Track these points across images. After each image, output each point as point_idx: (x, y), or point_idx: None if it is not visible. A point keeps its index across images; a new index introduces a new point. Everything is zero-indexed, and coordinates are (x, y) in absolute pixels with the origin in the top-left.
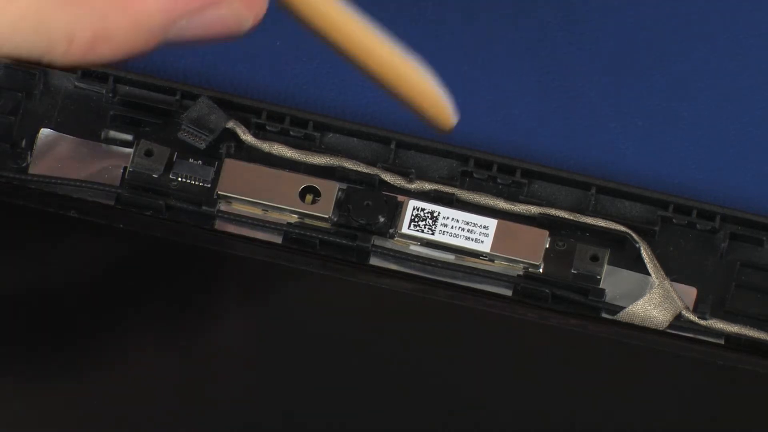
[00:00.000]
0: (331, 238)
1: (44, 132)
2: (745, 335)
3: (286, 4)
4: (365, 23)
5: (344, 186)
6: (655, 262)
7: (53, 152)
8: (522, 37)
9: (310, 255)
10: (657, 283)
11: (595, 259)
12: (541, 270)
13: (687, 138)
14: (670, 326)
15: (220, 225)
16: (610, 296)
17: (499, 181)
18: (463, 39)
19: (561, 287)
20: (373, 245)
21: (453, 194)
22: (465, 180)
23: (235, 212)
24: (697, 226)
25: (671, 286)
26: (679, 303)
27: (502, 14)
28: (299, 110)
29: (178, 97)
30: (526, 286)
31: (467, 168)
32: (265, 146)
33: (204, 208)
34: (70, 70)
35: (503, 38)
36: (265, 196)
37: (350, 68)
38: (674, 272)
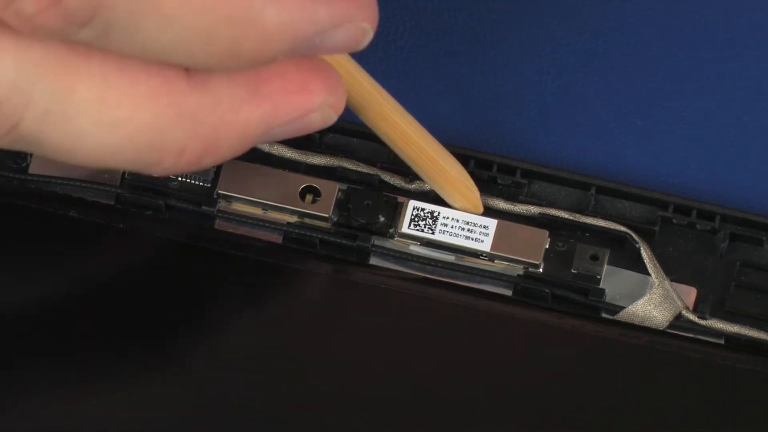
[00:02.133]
0: (331, 238)
1: None
2: (745, 335)
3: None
4: (406, 114)
5: (344, 186)
6: (655, 262)
7: None
8: (521, 37)
9: (310, 255)
10: (657, 283)
11: (594, 259)
12: (540, 270)
13: (687, 138)
14: (670, 326)
15: (220, 225)
16: (610, 296)
17: (499, 181)
18: (462, 39)
19: (561, 287)
20: (373, 245)
21: None
22: None
23: (235, 212)
24: (697, 226)
25: (671, 286)
26: (679, 303)
27: (502, 14)
28: None
29: None
30: (526, 285)
31: (467, 168)
32: (266, 146)
33: (204, 207)
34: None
35: (503, 39)
36: (265, 195)
37: None
38: (674, 272)
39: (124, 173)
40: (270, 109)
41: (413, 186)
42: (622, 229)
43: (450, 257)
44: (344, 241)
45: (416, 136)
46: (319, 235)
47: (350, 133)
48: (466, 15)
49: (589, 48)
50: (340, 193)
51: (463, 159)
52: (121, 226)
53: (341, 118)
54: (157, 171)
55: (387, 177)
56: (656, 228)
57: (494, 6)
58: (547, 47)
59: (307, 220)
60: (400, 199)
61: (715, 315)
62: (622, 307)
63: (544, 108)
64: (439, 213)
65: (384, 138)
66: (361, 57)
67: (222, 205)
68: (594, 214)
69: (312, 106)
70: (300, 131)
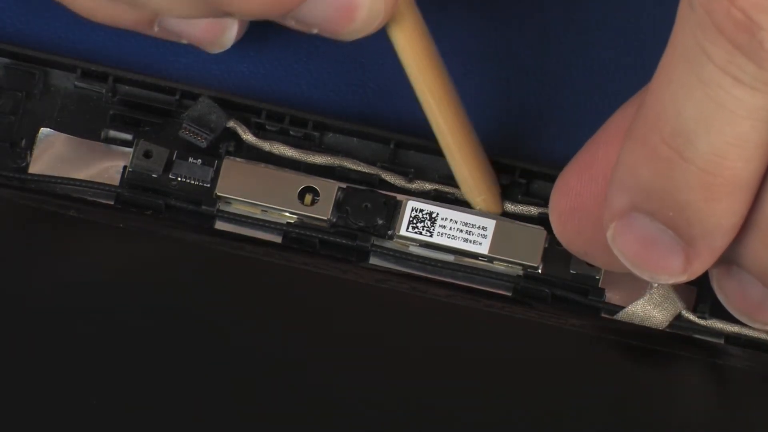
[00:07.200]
0: (330, 238)
1: (44, 132)
2: (745, 335)
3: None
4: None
5: (344, 185)
6: None
7: (53, 152)
8: (522, 36)
9: (310, 255)
10: (657, 283)
11: None
12: (540, 270)
13: None
14: (670, 326)
15: (219, 225)
16: (609, 296)
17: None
18: (461, 39)
19: (560, 287)
20: (373, 245)
21: (453, 194)
22: None
23: (235, 212)
24: None
25: (671, 286)
26: (679, 303)
27: (503, 14)
28: (299, 110)
29: (177, 97)
30: (526, 285)
31: None
32: (266, 145)
33: (204, 207)
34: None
35: (503, 38)
36: (264, 197)
37: (349, 68)
38: None
39: (123, 173)
40: None
41: (413, 186)
42: None
43: (449, 257)
44: (344, 241)
45: (462, 121)
46: (319, 235)
47: (350, 133)
48: (465, 15)
49: (589, 48)
50: (339, 193)
51: None
52: (121, 226)
53: (341, 118)
54: None
55: (387, 177)
56: None
57: (495, 5)
58: (546, 47)
59: (306, 221)
60: (400, 198)
61: (714, 315)
62: (622, 307)
63: (542, 107)
64: (437, 214)
65: (427, 110)
66: None
67: (222, 205)
68: None
69: None
70: (341, 16)
